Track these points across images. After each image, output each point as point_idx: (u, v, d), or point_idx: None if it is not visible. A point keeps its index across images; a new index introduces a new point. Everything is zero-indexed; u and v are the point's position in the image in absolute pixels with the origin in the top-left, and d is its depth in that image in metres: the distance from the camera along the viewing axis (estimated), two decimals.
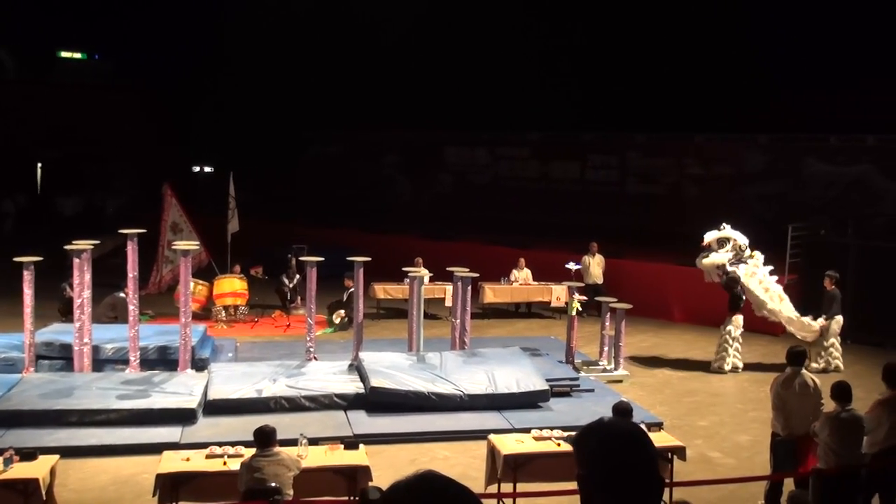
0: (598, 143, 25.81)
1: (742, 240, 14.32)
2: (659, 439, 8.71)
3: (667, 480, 8.31)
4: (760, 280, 14.32)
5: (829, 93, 21.11)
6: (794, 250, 17.07)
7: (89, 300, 12.32)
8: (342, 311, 16.64)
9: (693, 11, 23.95)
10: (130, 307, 12.53)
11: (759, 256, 14.39)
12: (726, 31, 23.35)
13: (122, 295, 14.92)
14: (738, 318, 14.14)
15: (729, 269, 14.14)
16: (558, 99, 25.05)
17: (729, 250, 14.23)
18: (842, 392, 7.80)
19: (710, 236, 14.48)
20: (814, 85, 21.35)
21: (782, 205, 21.55)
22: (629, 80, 24.69)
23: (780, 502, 8.22)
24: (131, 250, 12.56)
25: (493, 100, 26.31)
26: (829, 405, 8.19)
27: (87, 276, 12.27)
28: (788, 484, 8.42)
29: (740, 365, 14.10)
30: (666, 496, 8.38)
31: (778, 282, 14.79)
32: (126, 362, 12.45)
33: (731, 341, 14.12)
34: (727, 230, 14.42)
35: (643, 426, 8.41)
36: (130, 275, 12.60)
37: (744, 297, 14.14)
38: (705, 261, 14.42)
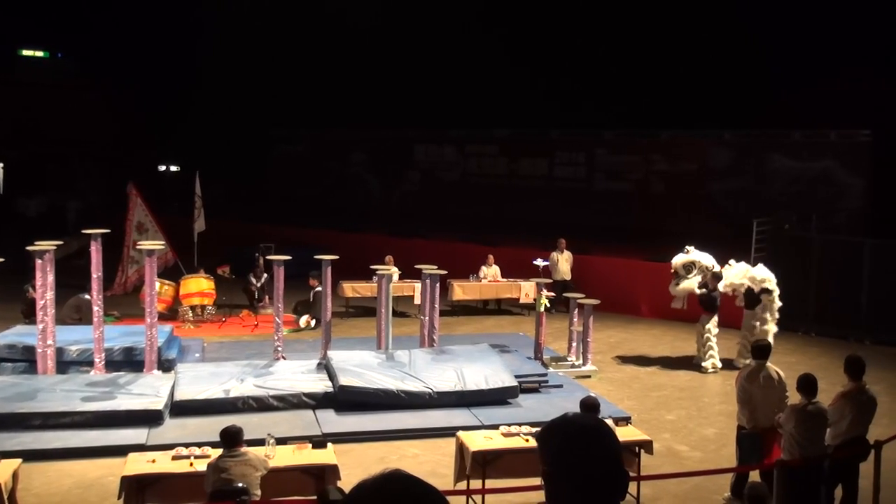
0: (566, 141, 25.93)
1: (707, 261, 14.39)
2: (627, 433, 8.76)
3: (634, 474, 8.37)
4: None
5: (792, 89, 21.35)
6: (760, 245, 17.24)
7: (53, 302, 12.14)
8: (308, 317, 16.57)
9: (657, 10, 24.14)
10: (95, 308, 12.38)
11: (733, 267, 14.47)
12: (690, 30, 23.56)
13: (86, 296, 14.72)
14: (715, 318, 14.21)
15: (698, 291, 14.22)
16: (526, 96, 25.14)
17: (696, 274, 14.31)
18: (807, 384, 7.88)
19: (676, 261, 14.54)
20: (777, 81, 21.60)
21: (747, 200, 21.80)
22: (595, 78, 24.83)
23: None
24: (95, 251, 12.39)
25: (461, 97, 26.34)
26: (794, 397, 8.28)
27: (51, 278, 12.10)
28: (754, 476, 8.51)
29: (719, 365, 14.18)
30: (634, 490, 8.45)
31: None
32: (91, 364, 12.29)
33: (713, 339, 14.16)
34: (692, 253, 14.48)
35: (611, 421, 8.47)
36: (95, 275, 12.44)
37: (719, 298, 14.17)
38: (678, 288, 14.50)
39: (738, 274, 14.23)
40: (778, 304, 14.14)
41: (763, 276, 14.15)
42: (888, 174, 19.82)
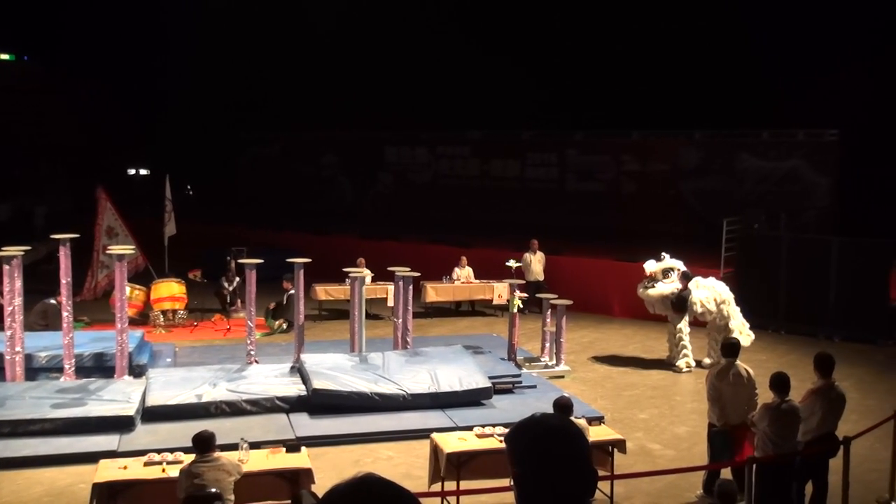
0: (537, 142, 26.01)
1: (681, 267, 14.48)
2: (600, 433, 8.82)
3: (607, 473, 8.43)
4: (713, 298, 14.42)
5: (761, 90, 21.58)
6: (729, 244, 17.40)
7: (21, 308, 12.00)
8: (281, 320, 16.50)
9: (627, 12, 24.30)
10: (64, 314, 12.24)
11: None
12: (660, 31, 23.73)
13: (52, 301, 14.58)
14: (686, 317, 14.29)
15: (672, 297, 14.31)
16: (497, 98, 25.20)
17: (673, 280, 14.36)
18: (780, 383, 7.94)
19: (652, 267, 14.52)
20: (746, 82, 21.81)
21: (717, 199, 21.97)
22: (566, 79, 24.94)
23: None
24: (64, 256, 12.27)
25: (432, 99, 26.35)
26: (766, 395, 8.36)
27: (18, 283, 11.96)
28: (726, 473, 8.59)
29: (693, 364, 14.26)
30: (607, 488, 8.50)
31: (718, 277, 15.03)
32: (60, 370, 12.17)
33: (686, 339, 14.23)
34: (668, 260, 14.55)
35: (584, 420, 8.53)
36: (64, 281, 12.31)
37: (689, 298, 14.23)
38: (651, 292, 14.39)
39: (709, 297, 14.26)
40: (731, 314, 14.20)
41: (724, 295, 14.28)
42: (855, 173, 20.08)
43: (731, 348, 9.02)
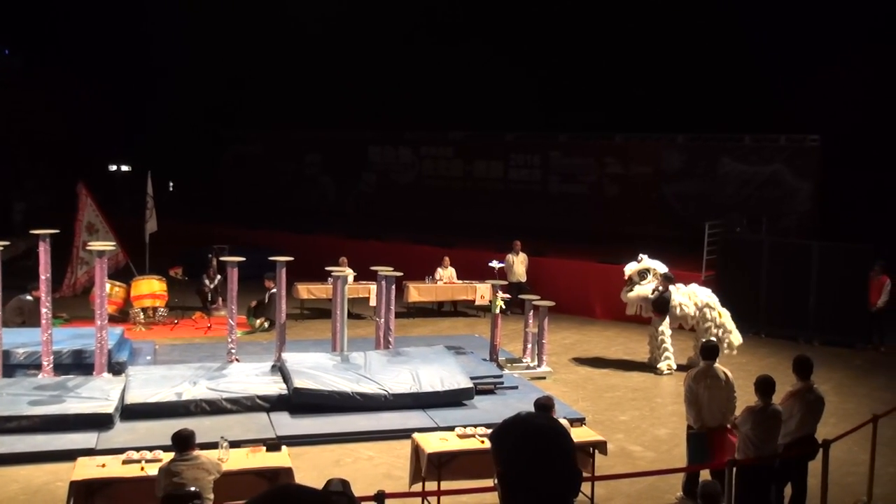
0: (521, 143, 26.04)
1: (661, 268, 14.56)
2: (581, 434, 8.82)
3: (588, 474, 8.43)
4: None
5: (743, 94, 21.70)
6: (711, 247, 17.49)
7: None
8: (263, 318, 16.43)
9: (610, 15, 24.37)
10: (43, 310, 12.12)
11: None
12: (644, 35, 23.83)
13: (28, 297, 14.45)
14: (668, 320, 14.35)
15: (651, 296, 14.34)
16: (481, 99, 25.21)
17: (650, 281, 14.46)
18: (765, 386, 7.96)
19: (630, 269, 14.68)
20: (728, 86, 21.93)
21: (699, 203, 22.09)
22: (550, 81, 24.99)
23: (696, 493, 8.41)
24: (43, 252, 12.16)
25: (416, 99, 26.33)
26: (749, 398, 8.38)
27: None
28: (705, 475, 8.61)
29: (674, 366, 14.32)
30: (588, 490, 8.51)
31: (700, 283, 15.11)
32: (39, 367, 12.05)
33: (668, 341, 14.28)
34: (646, 261, 14.64)
35: (566, 421, 8.52)
36: (43, 277, 12.20)
37: (671, 300, 14.29)
38: (630, 294, 14.59)
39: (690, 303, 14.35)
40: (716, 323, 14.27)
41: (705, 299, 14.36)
42: (836, 178, 20.24)
43: (709, 351, 9.04)
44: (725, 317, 14.27)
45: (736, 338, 14.25)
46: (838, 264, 16.13)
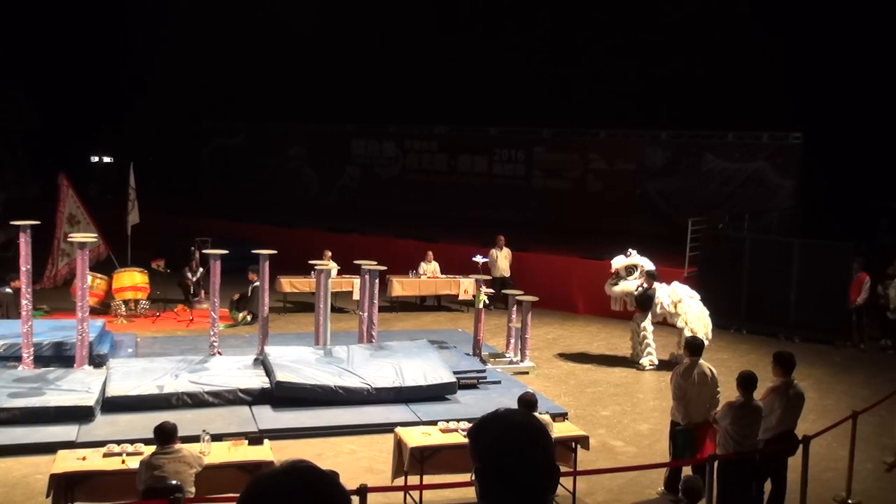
0: (505, 138, 26.05)
1: (648, 266, 14.61)
2: (563, 429, 8.85)
3: (570, 469, 8.46)
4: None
5: (727, 91, 21.79)
6: (694, 244, 17.55)
7: None
8: (245, 312, 16.36)
9: (595, 10, 24.41)
10: (23, 301, 12.03)
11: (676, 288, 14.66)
12: (628, 31, 23.88)
13: (7, 290, 14.33)
14: (650, 316, 14.40)
15: (635, 291, 14.38)
16: (465, 93, 25.20)
17: (637, 277, 14.51)
18: (747, 381, 8.01)
19: (618, 263, 14.72)
20: (712, 83, 22.01)
21: (682, 199, 22.18)
22: (534, 76, 25.00)
23: (678, 488, 8.45)
24: (24, 243, 12.05)
25: (400, 93, 26.28)
26: (730, 395, 8.44)
27: None
28: (687, 471, 8.66)
29: (656, 362, 14.36)
30: (569, 484, 8.54)
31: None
32: (19, 359, 11.95)
33: (650, 337, 14.34)
34: (634, 257, 14.68)
35: (548, 416, 8.56)
36: (23, 268, 12.09)
37: (654, 297, 14.33)
38: (616, 288, 14.63)
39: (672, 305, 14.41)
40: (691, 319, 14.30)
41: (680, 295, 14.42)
42: (818, 176, 20.38)
43: (695, 347, 9.10)
44: (691, 314, 14.17)
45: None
46: (819, 262, 16.23)
